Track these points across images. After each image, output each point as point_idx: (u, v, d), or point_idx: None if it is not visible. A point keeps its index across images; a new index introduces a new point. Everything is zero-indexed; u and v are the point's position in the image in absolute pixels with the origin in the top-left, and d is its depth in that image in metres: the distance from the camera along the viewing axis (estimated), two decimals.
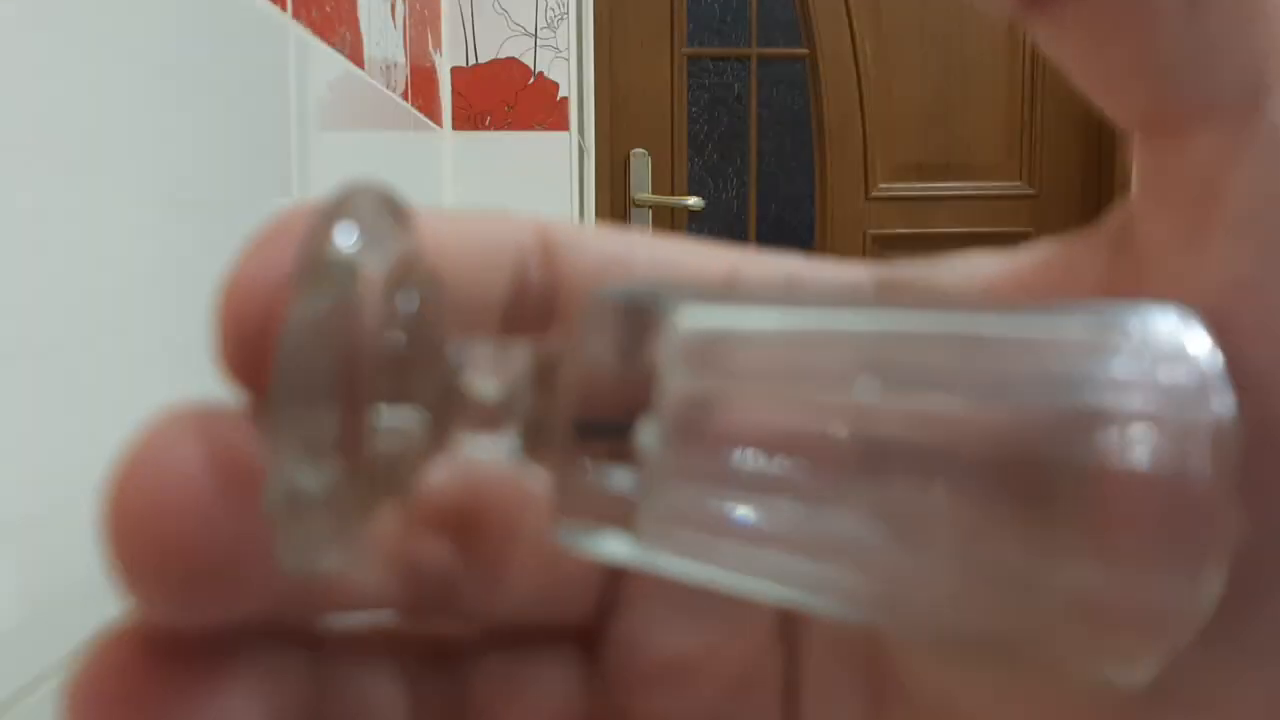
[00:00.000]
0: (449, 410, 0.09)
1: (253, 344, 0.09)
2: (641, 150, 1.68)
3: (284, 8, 0.60)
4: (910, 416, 0.08)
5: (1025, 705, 0.10)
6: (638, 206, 1.68)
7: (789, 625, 0.12)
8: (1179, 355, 0.08)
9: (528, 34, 1.19)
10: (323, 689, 0.10)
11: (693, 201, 1.65)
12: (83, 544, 0.41)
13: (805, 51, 1.72)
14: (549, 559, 0.11)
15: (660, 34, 1.70)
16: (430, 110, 1.10)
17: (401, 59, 0.95)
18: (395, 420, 0.08)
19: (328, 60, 0.70)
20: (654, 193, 1.69)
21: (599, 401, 0.09)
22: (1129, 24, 0.09)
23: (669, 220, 1.70)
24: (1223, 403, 0.08)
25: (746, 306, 0.09)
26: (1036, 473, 0.08)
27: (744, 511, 0.08)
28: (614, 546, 0.09)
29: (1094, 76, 0.09)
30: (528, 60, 1.19)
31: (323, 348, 0.08)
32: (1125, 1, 0.09)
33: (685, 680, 0.11)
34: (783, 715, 0.12)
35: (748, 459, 0.08)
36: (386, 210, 0.09)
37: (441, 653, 0.11)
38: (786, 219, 1.74)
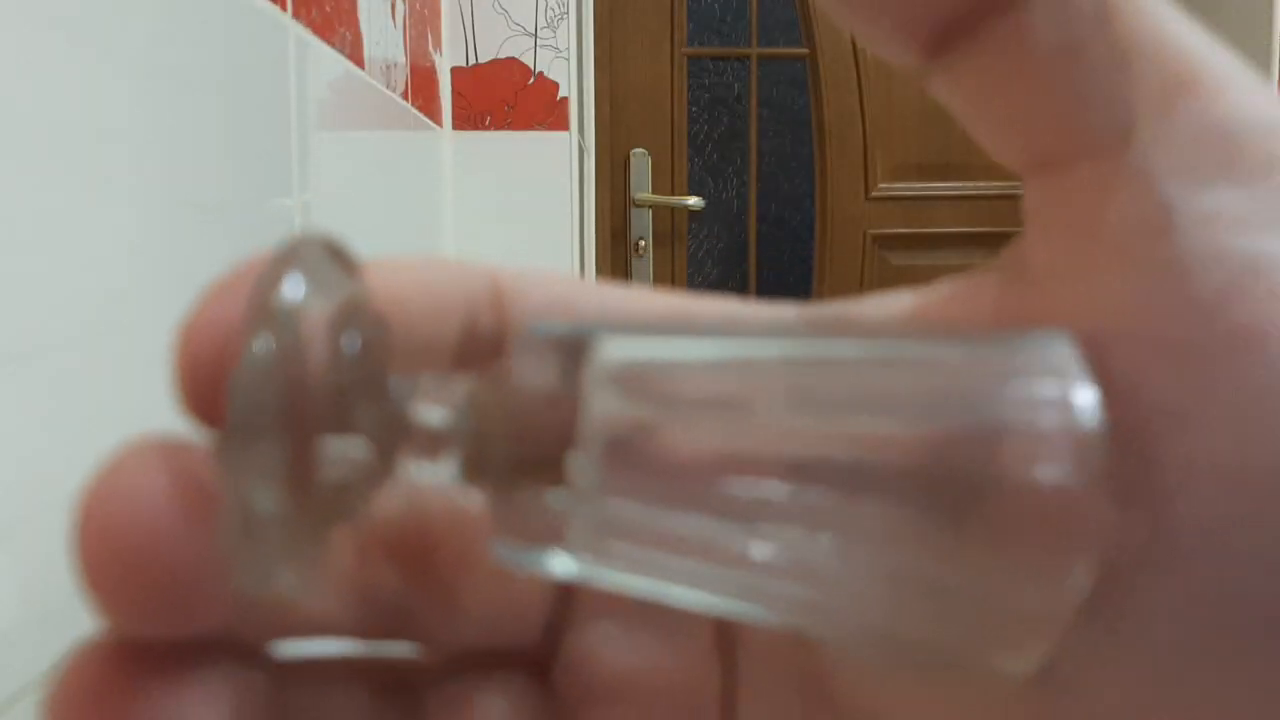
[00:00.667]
0: (393, 439, 0.09)
1: (208, 383, 0.09)
2: (641, 150, 1.68)
3: (284, 7, 0.60)
4: (819, 435, 0.09)
5: (931, 701, 0.11)
6: (638, 206, 1.68)
7: (725, 641, 0.12)
8: (1056, 376, 0.09)
9: (528, 34, 1.19)
10: (284, 707, 0.10)
11: (693, 201, 1.65)
12: None
13: (805, 51, 1.72)
14: (499, 584, 0.12)
15: (660, 34, 1.70)
16: (430, 110, 1.10)
17: (401, 59, 0.95)
18: (342, 450, 0.09)
19: (328, 60, 0.70)
20: (654, 192, 1.69)
21: (532, 428, 0.09)
22: (1014, 76, 0.10)
23: (669, 220, 1.70)
24: (1093, 417, 0.08)
25: (670, 338, 0.09)
26: (932, 485, 0.09)
27: (668, 526, 0.09)
28: (548, 563, 0.09)
29: (984, 122, 0.10)
30: (528, 60, 1.19)
31: (270, 385, 0.08)
32: (1011, 56, 0.09)
33: (631, 697, 0.12)
34: None
35: (672, 478, 0.09)
36: (333, 259, 0.09)
37: (397, 679, 0.12)
38: (786, 219, 1.74)
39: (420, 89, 1.04)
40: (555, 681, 0.12)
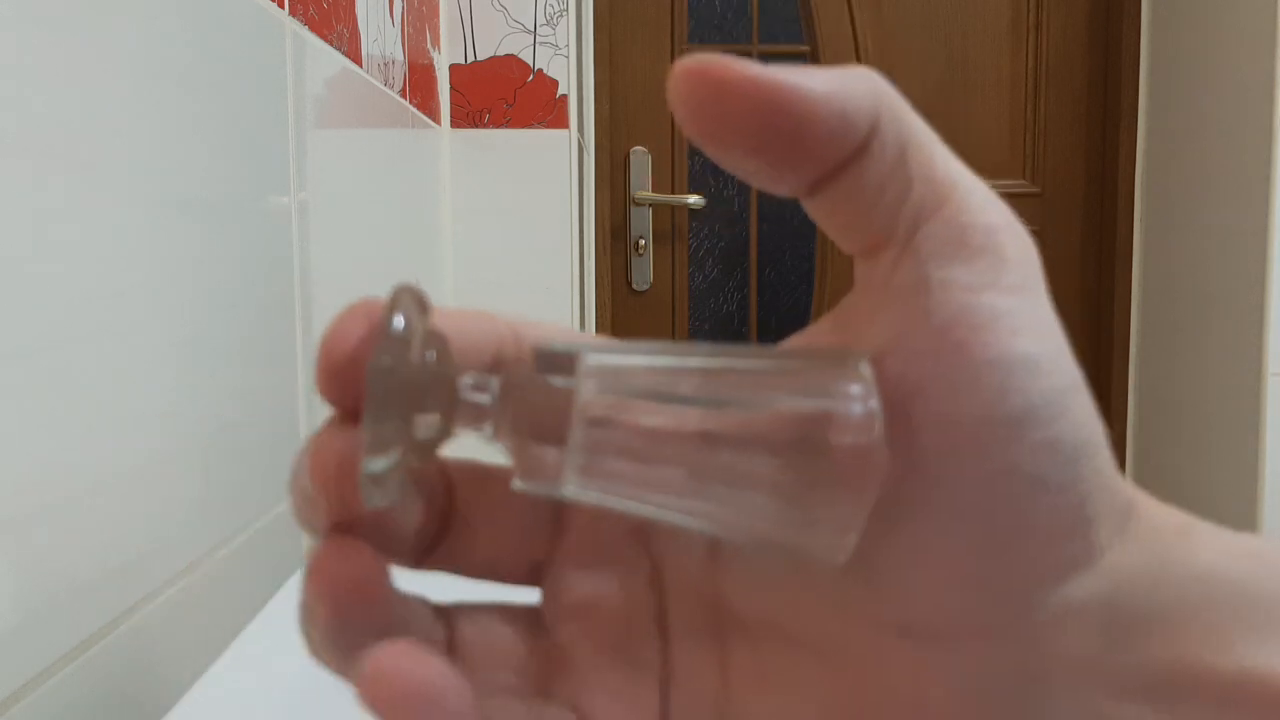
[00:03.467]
0: (454, 414, 0.15)
1: (341, 378, 0.15)
2: (641, 148, 1.68)
3: (281, 4, 0.60)
4: (723, 413, 0.15)
5: (793, 593, 0.17)
6: (637, 205, 1.68)
7: (656, 575, 0.18)
8: (859, 378, 0.15)
9: (527, 31, 1.19)
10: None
11: (693, 200, 1.65)
12: (81, 544, 0.41)
13: (806, 48, 1.72)
14: (504, 520, 0.18)
15: (661, 30, 1.70)
16: (428, 108, 1.09)
17: (399, 56, 0.95)
18: (426, 421, 0.15)
19: (325, 57, 0.70)
20: (654, 191, 1.68)
21: (541, 406, 0.15)
22: (852, 201, 0.15)
23: (669, 218, 1.70)
24: (877, 401, 0.15)
25: (629, 354, 0.15)
26: (788, 446, 0.14)
27: (629, 469, 0.15)
28: (550, 490, 0.15)
29: (835, 228, 0.16)
30: (527, 57, 1.19)
31: (390, 380, 0.14)
32: (851, 191, 0.15)
33: (591, 615, 0.18)
34: (659, 644, 0.18)
35: (629, 439, 0.15)
36: (419, 300, 0.15)
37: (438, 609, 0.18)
38: (787, 217, 1.74)
39: (418, 86, 1.04)
40: (541, 606, 0.18)
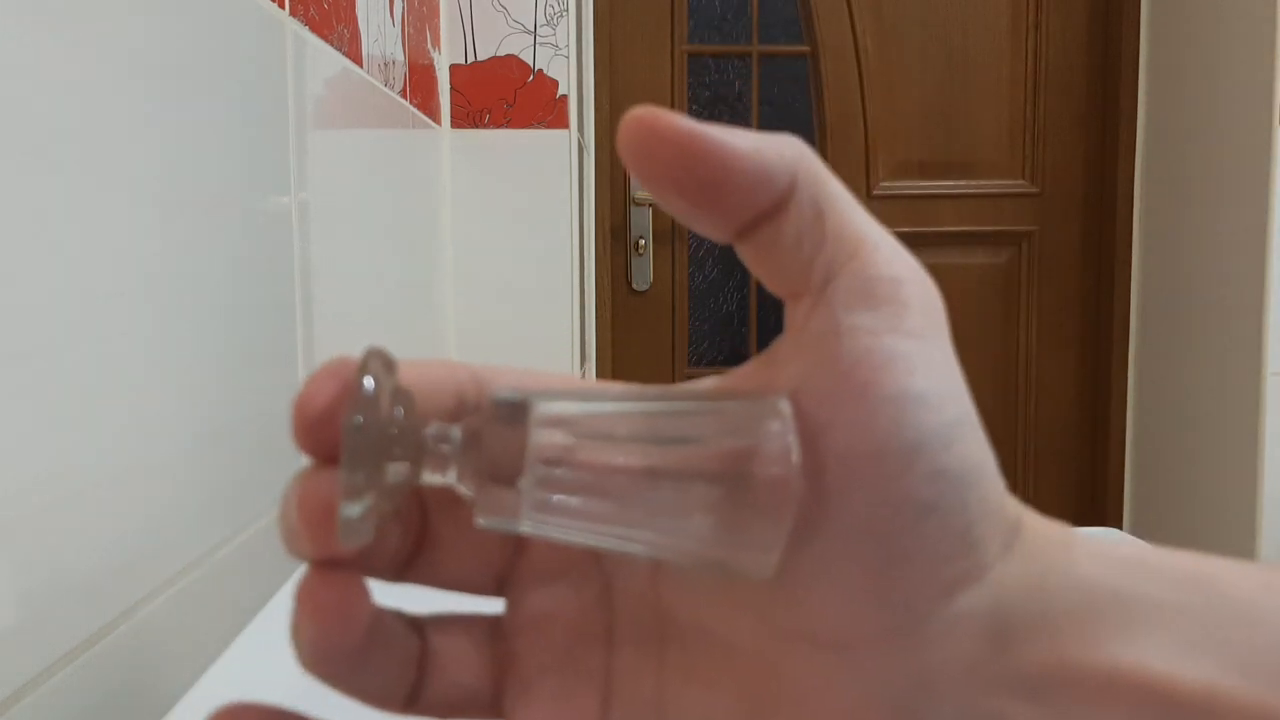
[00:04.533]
0: (421, 462, 0.17)
1: (315, 433, 0.17)
2: None
3: (281, 4, 0.60)
4: (658, 450, 0.17)
5: (725, 607, 0.18)
6: (637, 205, 1.68)
7: (605, 591, 0.20)
8: (780, 416, 0.17)
9: (527, 31, 1.19)
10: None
11: None
12: (82, 544, 0.40)
13: (807, 49, 1.72)
14: (470, 545, 0.20)
15: (661, 31, 1.70)
16: (429, 108, 1.09)
17: (400, 56, 0.95)
18: (396, 470, 0.16)
19: (325, 57, 0.70)
20: None
21: (499, 451, 0.17)
22: (775, 249, 0.17)
23: (669, 218, 1.70)
24: (794, 436, 0.16)
25: (578, 400, 0.17)
26: (718, 476, 0.16)
27: (577, 504, 0.16)
28: (509, 525, 0.17)
29: (763, 273, 0.18)
30: (527, 58, 1.19)
31: (363, 434, 0.16)
32: (774, 239, 0.17)
33: (547, 626, 0.20)
34: (605, 651, 0.20)
35: (578, 477, 0.16)
36: (386, 362, 0.17)
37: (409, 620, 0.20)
38: None
39: (419, 86, 1.04)
40: (503, 618, 0.20)
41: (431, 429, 0.17)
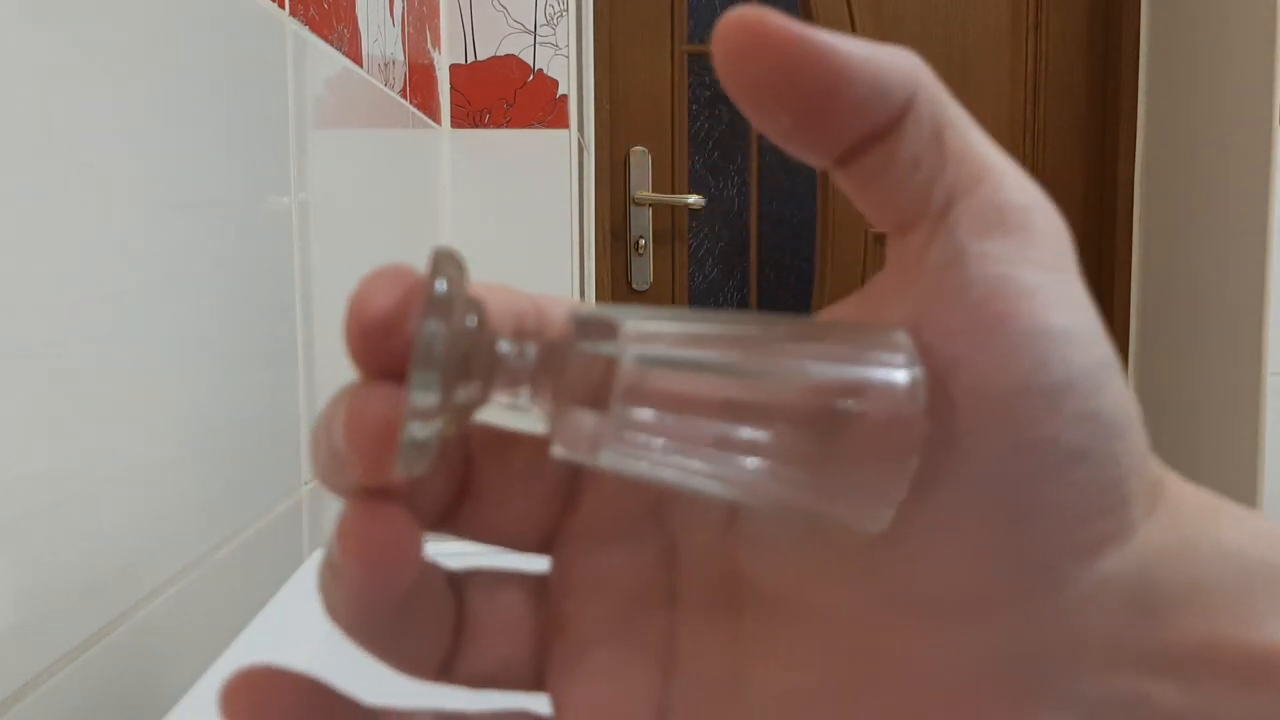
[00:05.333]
0: (492, 380, 0.15)
1: (373, 340, 0.14)
2: (641, 148, 1.68)
3: (281, 4, 0.60)
4: (758, 384, 0.14)
5: (817, 566, 0.16)
6: (638, 205, 1.68)
7: (667, 550, 0.18)
8: (901, 346, 0.15)
9: (527, 31, 1.19)
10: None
11: (693, 200, 1.65)
12: (82, 544, 0.40)
13: None
14: (522, 483, 0.18)
15: (660, 30, 1.70)
16: (429, 108, 1.09)
17: (400, 56, 0.95)
18: (467, 387, 0.14)
19: (326, 57, 0.70)
20: (654, 190, 1.68)
21: (580, 375, 0.15)
22: (885, 175, 0.15)
23: (669, 218, 1.70)
24: (921, 370, 0.14)
25: (668, 322, 0.15)
26: (827, 414, 0.14)
27: (666, 437, 0.14)
28: (588, 456, 0.15)
29: (867, 204, 0.16)
30: (527, 57, 1.19)
31: (439, 348, 0.14)
32: (885, 165, 0.15)
33: (600, 590, 0.18)
34: (667, 620, 0.18)
35: (669, 407, 0.14)
36: (459, 265, 0.14)
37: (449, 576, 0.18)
38: (787, 217, 1.73)
39: (419, 86, 1.04)
40: (550, 579, 0.18)
41: (505, 344, 0.15)
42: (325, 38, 0.70)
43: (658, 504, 0.18)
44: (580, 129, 1.32)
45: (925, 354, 0.15)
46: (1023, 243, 0.15)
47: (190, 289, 0.45)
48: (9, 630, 0.32)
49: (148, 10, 0.42)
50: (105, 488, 0.37)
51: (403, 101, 0.96)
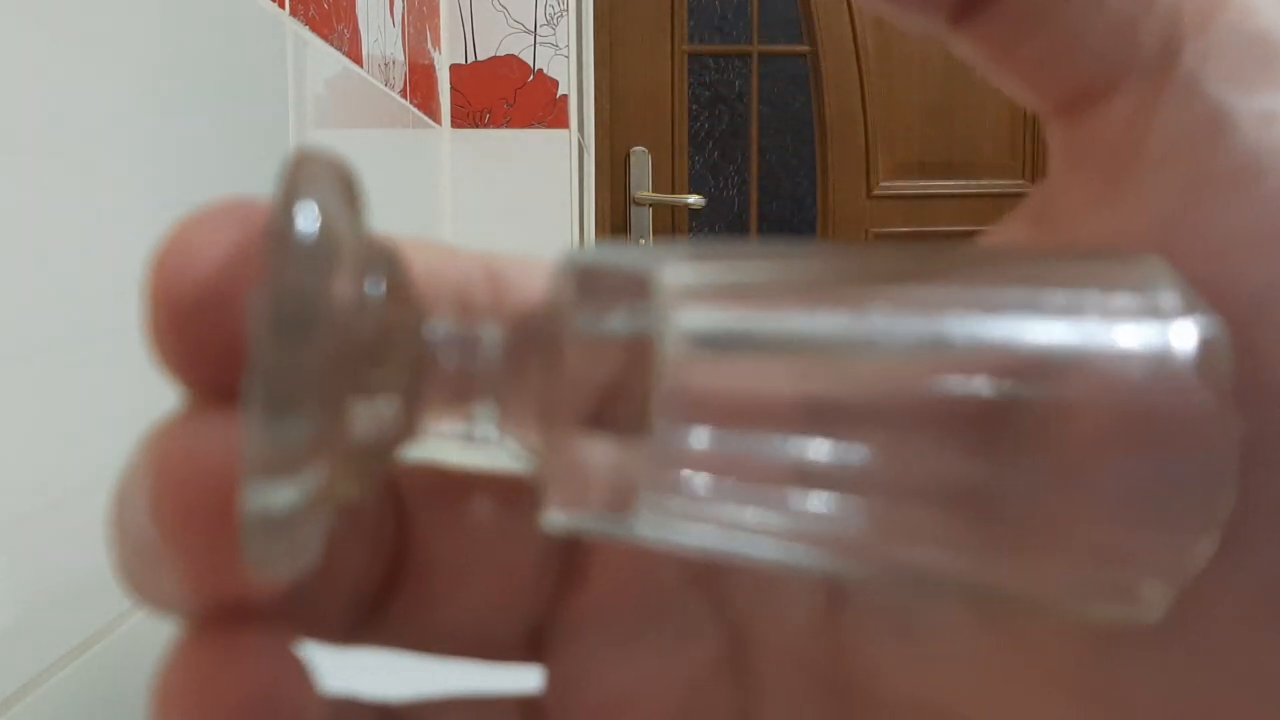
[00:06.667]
0: (423, 392, 0.08)
1: (191, 329, 0.08)
2: (642, 148, 1.68)
3: (281, 4, 0.60)
4: (915, 370, 0.07)
5: (1001, 683, 0.10)
6: (638, 205, 1.68)
7: (738, 647, 0.11)
8: (1169, 281, 0.08)
9: (527, 31, 1.19)
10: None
11: (693, 200, 1.65)
12: (81, 543, 0.40)
13: (807, 48, 1.72)
14: (491, 550, 0.11)
15: (660, 31, 1.70)
16: (429, 108, 1.09)
17: (400, 56, 0.95)
18: (372, 408, 0.08)
19: (326, 57, 0.70)
20: (654, 191, 1.68)
21: (585, 375, 0.08)
22: (1040, 23, 0.10)
23: (669, 218, 1.70)
24: (1211, 320, 0.08)
25: (740, 262, 0.08)
26: (1044, 413, 0.07)
27: (752, 480, 0.08)
28: (608, 525, 0.08)
29: (1014, 74, 0.11)
30: (527, 57, 1.19)
31: (301, 343, 0.07)
32: (1045, 15, 0.10)
33: (625, 715, 0.11)
34: None
35: (756, 425, 0.07)
36: (342, 184, 0.08)
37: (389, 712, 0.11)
38: (788, 217, 1.74)
39: (419, 86, 1.04)
40: (544, 697, 0.11)
41: (442, 327, 0.08)
42: (325, 38, 0.70)
43: (709, 573, 0.11)
44: (580, 129, 1.32)
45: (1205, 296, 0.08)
46: None
47: None
48: (9, 630, 0.32)
49: (147, 10, 0.42)
50: (105, 488, 0.37)
51: (403, 101, 0.96)
